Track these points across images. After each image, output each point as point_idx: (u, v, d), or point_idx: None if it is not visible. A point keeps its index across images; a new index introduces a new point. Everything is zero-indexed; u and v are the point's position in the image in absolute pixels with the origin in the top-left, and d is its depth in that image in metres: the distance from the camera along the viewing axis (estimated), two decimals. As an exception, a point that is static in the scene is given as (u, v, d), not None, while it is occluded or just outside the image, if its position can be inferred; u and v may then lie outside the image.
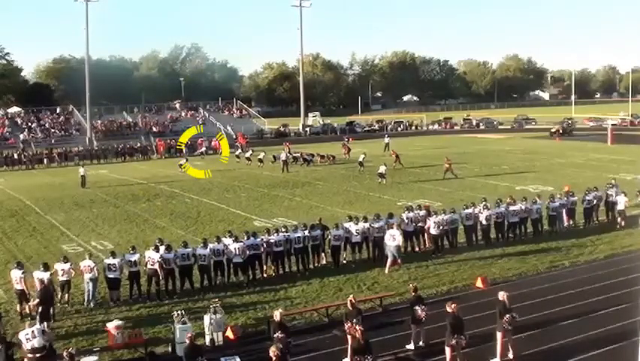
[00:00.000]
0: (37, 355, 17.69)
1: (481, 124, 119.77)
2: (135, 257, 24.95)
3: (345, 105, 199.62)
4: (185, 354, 16.95)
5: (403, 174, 56.11)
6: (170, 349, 19.59)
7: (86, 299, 24.30)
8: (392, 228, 28.38)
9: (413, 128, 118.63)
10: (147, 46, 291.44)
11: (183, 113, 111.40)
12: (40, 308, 21.39)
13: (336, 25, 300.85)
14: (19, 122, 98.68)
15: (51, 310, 22.25)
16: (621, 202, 34.37)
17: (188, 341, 16.96)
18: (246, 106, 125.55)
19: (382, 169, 52.46)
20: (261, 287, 25.64)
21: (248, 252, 26.03)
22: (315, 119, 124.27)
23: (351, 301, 18.87)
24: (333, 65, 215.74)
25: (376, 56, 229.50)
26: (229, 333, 20.47)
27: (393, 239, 27.96)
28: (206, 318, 20.35)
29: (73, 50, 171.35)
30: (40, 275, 22.88)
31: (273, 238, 27.16)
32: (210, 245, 26.04)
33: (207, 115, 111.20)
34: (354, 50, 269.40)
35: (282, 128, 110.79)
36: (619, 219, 34.00)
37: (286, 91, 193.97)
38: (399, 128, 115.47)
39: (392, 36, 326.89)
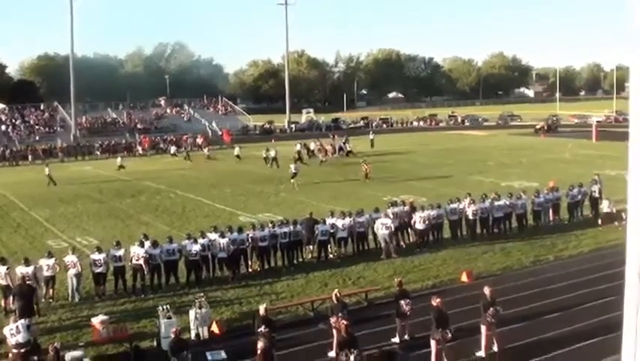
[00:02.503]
0: (22, 350, 17.63)
1: (466, 121, 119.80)
2: (120, 252, 24.97)
3: (330, 102, 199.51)
4: (170, 348, 16.95)
5: (385, 170, 56.16)
6: (155, 343, 19.54)
7: (70, 294, 24.25)
8: (383, 217, 28.79)
9: (399, 125, 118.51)
10: (132, 43, 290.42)
11: (168, 110, 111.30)
12: (17, 304, 21.27)
13: (321, 23, 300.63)
14: (3, 119, 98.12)
15: (35, 306, 22.18)
16: (605, 205, 34.17)
17: (173, 336, 16.98)
18: (231, 103, 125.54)
19: (293, 168, 51.60)
20: (246, 282, 25.67)
21: (232, 247, 26.07)
22: (308, 116, 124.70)
23: (336, 295, 18.92)
24: (318, 63, 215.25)
25: (361, 53, 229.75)
26: (214, 328, 20.47)
27: (385, 228, 28.21)
28: (192, 313, 20.35)
29: (58, 47, 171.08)
30: (22, 270, 22.87)
31: (259, 233, 27.20)
32: (200, 240, 26.09)
33: (192, 112, 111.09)
34: (339, 48, 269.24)
35: (267, 125, 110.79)
36: (600, 221, 33.80)
37: (271, 88, 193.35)
38: (384, 125, 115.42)
39: (377, 33, 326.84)
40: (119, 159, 67.89)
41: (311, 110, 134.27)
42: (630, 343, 5.95)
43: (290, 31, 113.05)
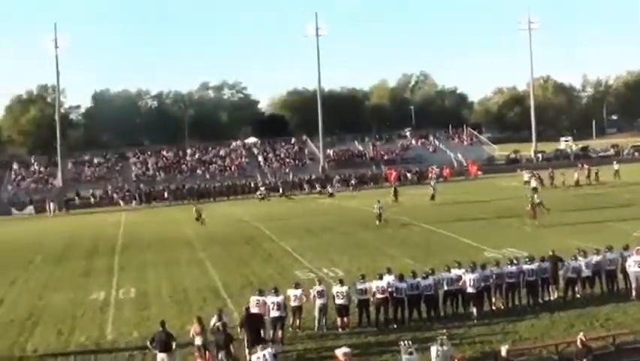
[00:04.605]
0: (269, 378, 18.35)
1: None
2: (365, 285, 25.41)
3: (578, 129, 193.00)
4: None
5: (634, 203, 53.37)
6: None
7: (316, 325, 25.00)
8: (634, 254, 27.39)
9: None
10: (377, 75, 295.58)
11: (414, 141, 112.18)
12: (247, 333, 22.15)
13: (567, 46, 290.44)
14: (255, 153, 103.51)
15: (262, 334, 22.71)
16: None
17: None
18: (476, 133, 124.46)
19: (376, 208, 50.91)
20: (489, 320, 25.27)
21: (483, 283, 25.89)
22: (567, 144, 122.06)
23: (581, 339, 18.20)
24: (564, 88, 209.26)
25: (610, 76, 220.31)
26: (454, 366, 20.26)
27: (638, 265, 26.89)
28: (433, 349, 20.21)
29: (306, 83, 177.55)
30: (272, 299, 23.99)
31: (506, 269, 26.80)
32: (442, 275, 26.25)
33: (437, 143, 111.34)
34: (586, 71, 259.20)
35: (513, 155, 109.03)
36: None
37: (517, 115, 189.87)
38: (636, 153, 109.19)
39: (627, 55, 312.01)
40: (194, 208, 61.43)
41: (570, 138, 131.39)
42: None
43: (535, 55, 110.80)
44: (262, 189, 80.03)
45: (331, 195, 77.53)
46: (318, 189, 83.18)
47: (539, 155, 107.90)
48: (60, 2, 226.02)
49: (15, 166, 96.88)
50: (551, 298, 27.52)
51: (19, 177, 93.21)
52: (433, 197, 63.66)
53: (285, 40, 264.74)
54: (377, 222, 49.94)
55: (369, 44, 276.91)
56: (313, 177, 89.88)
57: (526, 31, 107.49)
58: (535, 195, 50.69)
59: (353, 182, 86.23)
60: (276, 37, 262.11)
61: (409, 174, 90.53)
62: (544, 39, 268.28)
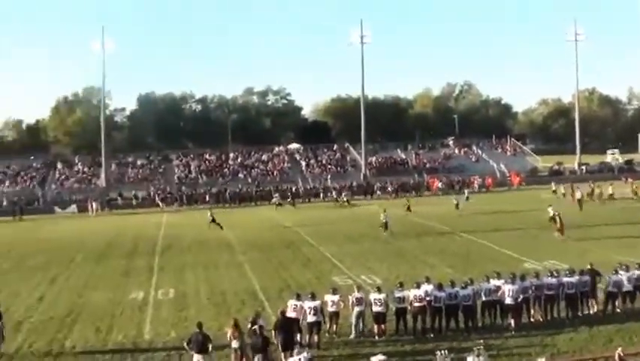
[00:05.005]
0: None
1: None
2: (402, 293, 25.31)
3: (624, 142, 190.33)
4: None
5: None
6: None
7: (353, 331, 24.92)
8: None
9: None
10: (421, 84, 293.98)
11: (456, 151, 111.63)
12: (280, 337, 22.16)
13: (613, 59, 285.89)
14: (298, 158, 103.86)
15: (297, 338, 22.91)
16: None
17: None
18: (519, 143, 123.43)
19: (383, 217, 50.57)
20: (527, 332, 24.96)
21: (521, 295, 25.62)
22: (613, 157, 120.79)
23: (619, 354, 17.92)
24: (610, 100, 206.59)
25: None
26: (492, 377, 20.09)
27: None
28: (470, 360, 20.11)
29: (350, 90, 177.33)
30: (309, 304, 24.07)
31: (546, 280, 26.52)
32: (481, 285, 26.09)
33: (480, 152, 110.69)
34: (632, 84, 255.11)
35: (556, 166, 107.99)
36: None
37: (561, 127, 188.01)
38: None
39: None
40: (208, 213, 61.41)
41: (616, 150, 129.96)
42: None
43: (580, 67, 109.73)
44: (276, 195, 79.88)
45: (346, 202, 77.45)
46: (334, 196, 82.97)
47: (583, 167, 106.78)
48: (107, 5, 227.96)
49: (59, 166, 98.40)
50: (591, 311, 27.21)
51: (63, 177, 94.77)
52: (457, 206, 63.66)
53: (329, 47, 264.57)
54: (383, 232, 49.71)
55: (413, 53, 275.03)
56: (354, 183, 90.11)
57: (572, 43, 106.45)
58: (550, 208, 50.10)
59: (390, 189, 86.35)
60: (320, 44, 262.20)
61: (440, 183, 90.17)
62: (591, 51, 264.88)
